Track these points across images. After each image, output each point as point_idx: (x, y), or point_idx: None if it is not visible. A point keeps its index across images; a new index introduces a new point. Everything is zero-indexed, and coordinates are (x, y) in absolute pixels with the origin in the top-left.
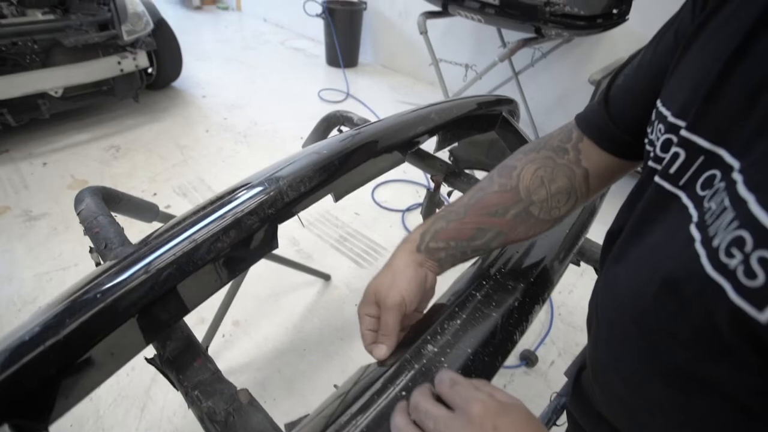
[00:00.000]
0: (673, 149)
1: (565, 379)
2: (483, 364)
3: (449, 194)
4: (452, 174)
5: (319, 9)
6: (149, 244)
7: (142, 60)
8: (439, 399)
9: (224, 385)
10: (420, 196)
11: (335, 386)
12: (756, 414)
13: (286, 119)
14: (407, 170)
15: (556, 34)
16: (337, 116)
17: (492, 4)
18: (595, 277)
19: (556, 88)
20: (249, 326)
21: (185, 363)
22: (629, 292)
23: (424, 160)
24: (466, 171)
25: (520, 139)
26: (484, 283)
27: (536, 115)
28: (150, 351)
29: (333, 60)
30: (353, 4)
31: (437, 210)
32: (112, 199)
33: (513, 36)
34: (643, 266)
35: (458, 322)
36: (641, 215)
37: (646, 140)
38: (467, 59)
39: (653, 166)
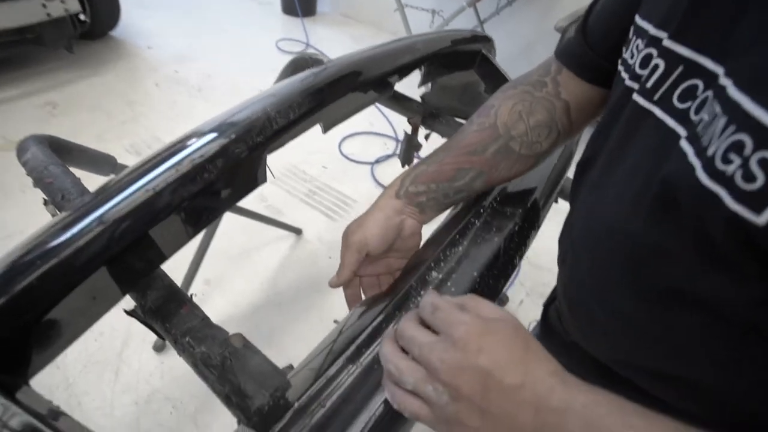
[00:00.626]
0: (653, 62)
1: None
2: (488, 287)
3: (427, 137)
4: (430, 116)
5: None
6: (120, 183)
7: (72, 3)
8: (426, 324)
9: (215, 330)
10: (388, 148)
11: (335, 321)
12: (754, 328)
13: (244, 71)
14: (374, 122)
15: None
16: (305, 59)
17: None
18: (559, 219)
19: (521, 36)
20: (221, 284)
21: (170, 311)
22: (614, 217)
23: (401, 102)
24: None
25: (500, 78)
26: (482, 211)
27: (502, 65)
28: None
29: (288, 8)
30: None
31: (415, 154)
32: (61, 150)
33: None
34: (628, 189)
35: (460, 248)
36: (620, 138)
37: (620, 62)
38: (433, 4)
39: (630, 86)
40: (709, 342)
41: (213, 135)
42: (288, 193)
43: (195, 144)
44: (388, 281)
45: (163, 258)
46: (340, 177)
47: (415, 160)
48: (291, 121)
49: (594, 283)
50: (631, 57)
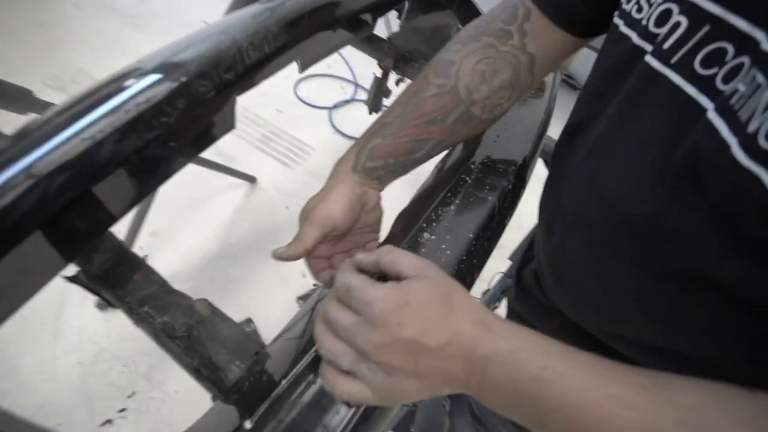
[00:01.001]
0: (674, 19)
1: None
2: (483, 249)
3: (398, 82)
4: (403, 59)
5: None
6: (50, 125)
7: None
8: None
9: (178, 297)
10: (346, 92)
11: (315, 285)
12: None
13: None
14: (332, 64)
15: None
16: None
17: None
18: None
19: None
20: (170, 236)
21: (122, 277)
22: (621, 191)
23: (372, 43)
24: None
25: None
26: (473, 167)
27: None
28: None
29: None
30: None
31: (384, 100)
32: None
33: None
34: (640, 162)
35: (452, 207)
36: (625, 104)
37: (617, 15)
38: None
39: (640, 45)
40: (721, 321)
41: (170, 69)
42: (240, 138)
43: (148, 79)
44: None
45: (113, 219)
46: (296, 122)
47: (383, 108)
48: (266, 56)
49: (592, 260)
50: (639, 11)
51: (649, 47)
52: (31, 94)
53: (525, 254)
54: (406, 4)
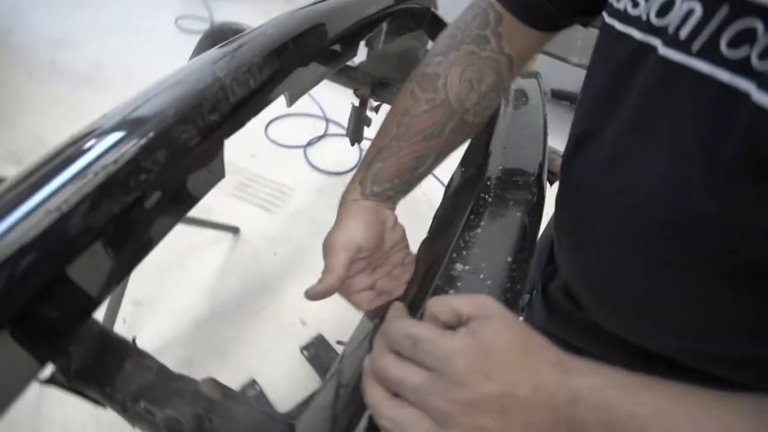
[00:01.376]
0: (683, 6)
1: None
2: (522, 271)
3: (376, 109)
4: (379, 85)
5: None
6: (7, 197)
7: None
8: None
9: (179, 382)
10: (318, 129)
11: (340, 342)
12: None
13: (140, 56)
14: (298, 103)
15: None
16: (225, 29)
17: None
18: None
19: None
20: (155, 303)
21: (109, 369)
22: (667, 197)
23: (345, 73)
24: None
25: None
26: (489, 183)
27: None
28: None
29: None
30: None
31: (365, 128)
32: None
33: None
34: (679, 163)
35: (480, 231)
36: (641, 105)
37: (606, 15)
38: None
39: (647, 42)
40: None
41: (143, 118)
42: (217, 188)
43: (117, 133)
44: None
45: (93, 304)
46: (272, 165)
47: (365, 139)
48: (252, 91)
49: (639, 272)
50: (635, 6)
51: (656, 41)
52: None
53: (545, 269)
54: (384, 26)
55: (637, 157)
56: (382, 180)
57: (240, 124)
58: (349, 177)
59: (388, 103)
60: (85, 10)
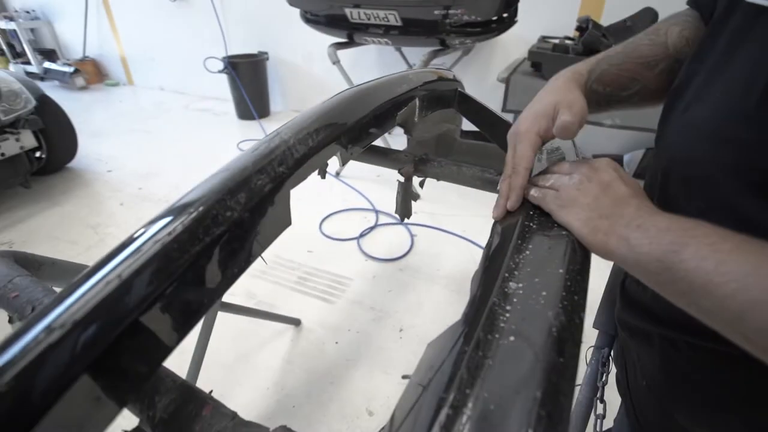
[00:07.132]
0: None
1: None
2: (578, 282)
3: (422, 184)
4: (421, 161)
5: (220, 65)
6: (100, 264)
7: (27, 140)
8: None
9: (253, 428)
10: (369, 221)
11: (405, 377)
12: None
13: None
14: (347, 198)
15: (460, 43)
16: None
17: (395, 25)
18: None
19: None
20: (223, 398)
21: (189, 416)
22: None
23: (388, 155)
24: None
25: (484, 112)
26: (531, 212)
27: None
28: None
29: (244, 113)
30: (254, 56)
31: (413, 203)
32: (29, 266)
33: (415, 55)
34: (751, 80)
35: (528, 252)
36: (722, 53)
37: None
38: None
39: None
40: None
41: (231, 168)
42: (277, 284)
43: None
44: None
45: (167, 349)
46: (328, 258)
47: (414, 212)
48: (310, 148)
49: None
50: None
51: None
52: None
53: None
54: (417, 102)
55: (707, 92)
56: (603, 82)
57: (302, 176)
58: (402, 262)
59: (433, 176)
60: (168, 149)
